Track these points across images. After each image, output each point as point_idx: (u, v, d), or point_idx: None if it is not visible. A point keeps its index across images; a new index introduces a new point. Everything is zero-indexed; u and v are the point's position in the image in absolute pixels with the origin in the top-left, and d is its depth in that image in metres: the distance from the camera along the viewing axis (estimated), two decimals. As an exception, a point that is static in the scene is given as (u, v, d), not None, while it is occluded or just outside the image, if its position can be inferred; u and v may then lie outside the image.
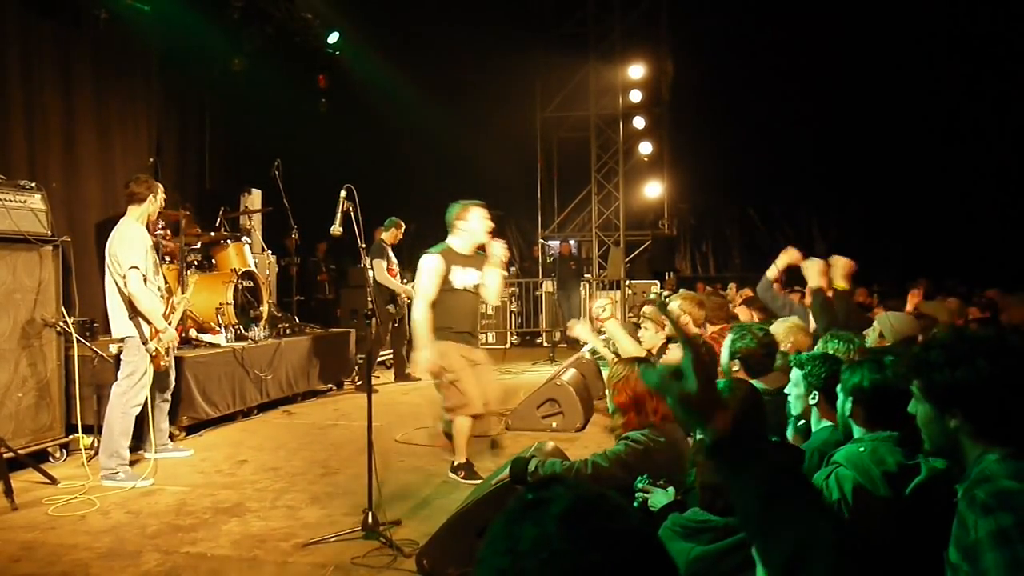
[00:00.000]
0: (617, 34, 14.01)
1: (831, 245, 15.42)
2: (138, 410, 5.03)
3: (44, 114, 7.21)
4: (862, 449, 2.30)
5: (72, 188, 7.33)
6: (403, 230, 8.93)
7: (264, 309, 7.66)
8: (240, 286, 7.35)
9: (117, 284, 4.99)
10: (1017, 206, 12.22)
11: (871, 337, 4.15)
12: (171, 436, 5.77)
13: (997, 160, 12.67)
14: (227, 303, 7.02)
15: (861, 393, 2.42)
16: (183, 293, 5.72)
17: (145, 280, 4.96)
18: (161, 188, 5.27)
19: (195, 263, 7.46)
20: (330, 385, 8.43)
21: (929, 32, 12.11)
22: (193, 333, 6.79)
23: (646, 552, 0.88)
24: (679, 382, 1.28)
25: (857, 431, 2.45)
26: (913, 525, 2.09)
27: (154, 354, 5.03)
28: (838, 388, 2.57)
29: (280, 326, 7.92)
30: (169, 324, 5.14)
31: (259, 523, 4.22)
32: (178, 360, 5.78)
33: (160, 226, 6.67)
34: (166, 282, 5.42)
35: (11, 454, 4.74)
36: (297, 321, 8.48)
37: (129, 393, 4.98)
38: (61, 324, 5.29)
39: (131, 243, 4.97)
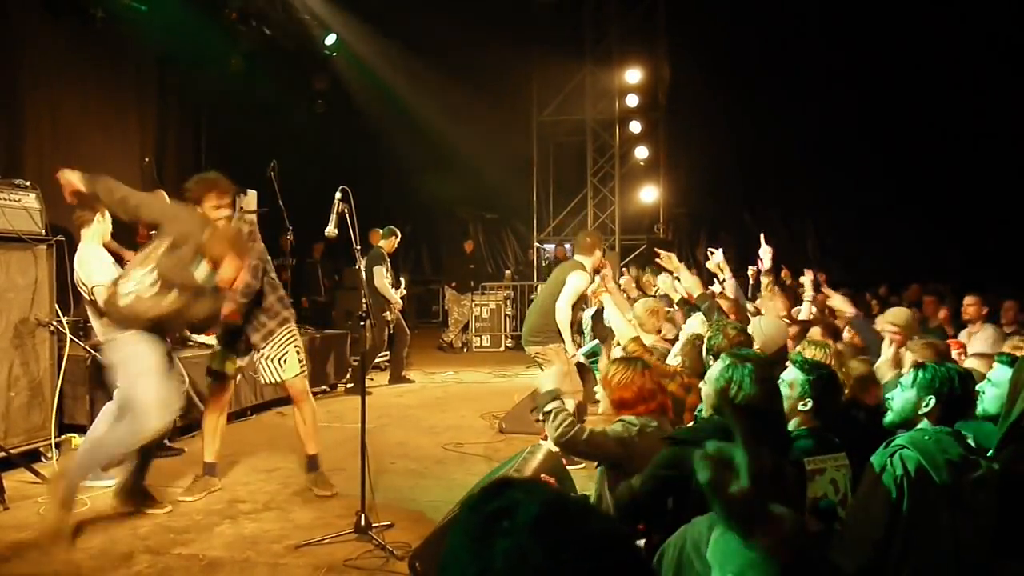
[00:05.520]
0: (614, 38, 14.06)
1: (826, 249, 15.48)
2: None
3: (44, 113, 7.20)
4: (927, 437, 2.49)
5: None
6: (399, 239, 9.03)
7: (258, 310, 7.63)
8: (235, 287, 7.32)
9: (91, 302, 5.05)
10: (1014, 209, 12.24)
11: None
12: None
13: (995, 163, 12.69)
14: (221, 304, 7.00)
15: (950, 394, 2.59)
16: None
17: None
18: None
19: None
20: (324, 387, 8.42)
21: (926, 35, 12.15)
22: (187, 333, 6.78)
23: (624, 551, 0.85)
24: (730, 478, 1.18)
25: (923, 424, 2.63)
26: (968, 513, 2.36)
27: None
28: (909, 383, 2.70)
29: (274, 327, 7.88)
30: None
31: (251, 524, 4.21)
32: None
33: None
34: None
35: (3, 454, 4.72)
36: (291, 322, 8.46)
37: None
38: (54, 324, 5.28)
39: (88, 264, 5.03)
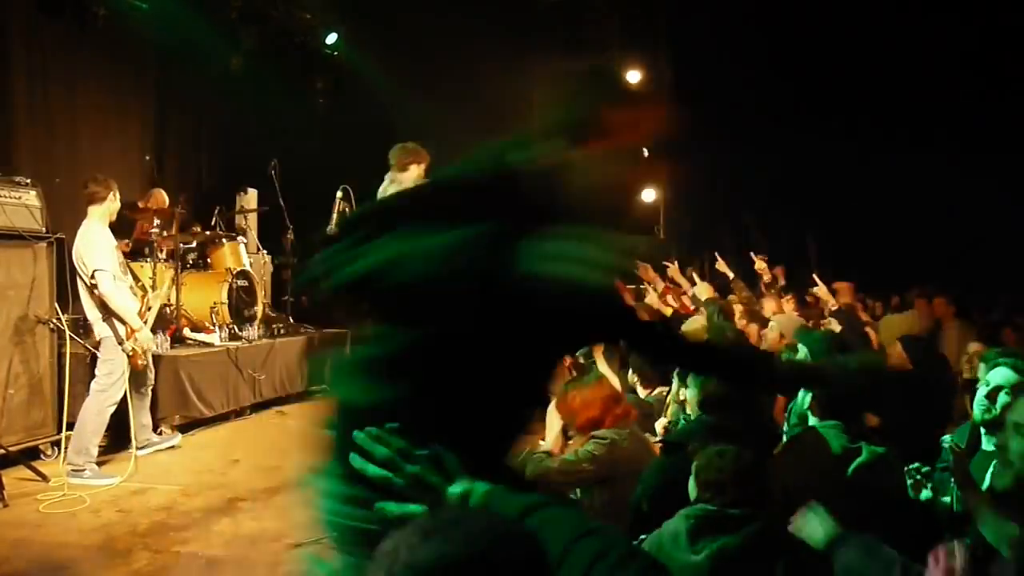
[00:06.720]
0: (615, 39, 14.04)
1: (825, 256, 15.47)
2: (112, 409, 5.03)
3: (44, 111, 7.20)
4: (809, 434, 2.67)
5: (70, 185, 7.31)
6: None
7: (258, 309, 7.63)
8: (235, 285, 7.33)
9: (88, 287, 5.00)
10: (1015, 216, 12.23)
11: (769, 336, 4.51)
12: (156, 428, 5.72)
13: (998, 171, 12.68)
14: (221, 302, 7.01)
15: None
16: (155, 290, 5.72)
17: (114, 279, 4.98)
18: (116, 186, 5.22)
19: (190, 262, 7.45)
20: (323, 386, 8.42)
21: (928, 42, 12.15)
22: (187, 332, 6.78)
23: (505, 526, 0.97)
24: None
25: (811, 420, 2.80)
26: (854, 499, 2.41)
27: (131, 354, 5.03)
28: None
29: (274, 326, 7.90)
30: (145, 322, 5.14)
31: (251, 523, 4.21)
32: (172, 359, 5.76)
33: (155, 224, 6.66)
34: (138, 280, 5.41)
35: (2, 451, 4.72)
36: (291, 321, 8.46)
37: (108, 392, 5.00)
38: (54, 321, 5.27)
39: (95, 245, 4.97)
